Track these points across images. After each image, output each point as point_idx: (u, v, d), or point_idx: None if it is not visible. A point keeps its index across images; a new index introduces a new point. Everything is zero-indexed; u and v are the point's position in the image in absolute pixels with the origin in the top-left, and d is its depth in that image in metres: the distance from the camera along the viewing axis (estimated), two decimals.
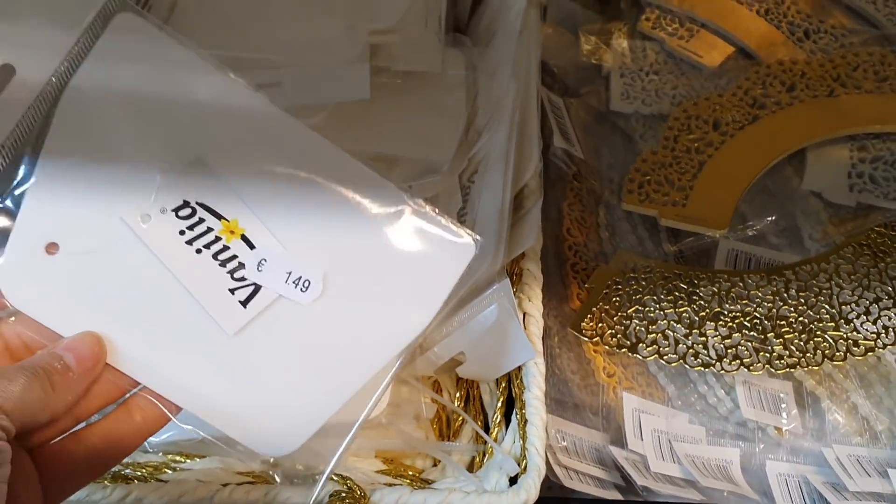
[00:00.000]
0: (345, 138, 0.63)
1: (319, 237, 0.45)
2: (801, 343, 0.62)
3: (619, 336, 0.62)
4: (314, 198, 0.45)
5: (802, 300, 0.63)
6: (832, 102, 0.72)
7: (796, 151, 0.72)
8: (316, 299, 0.44)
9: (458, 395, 0.62)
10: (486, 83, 0.71)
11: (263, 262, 0.43)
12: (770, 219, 0.69)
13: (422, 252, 0.46)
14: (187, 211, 0.43)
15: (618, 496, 0.59)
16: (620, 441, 0.60)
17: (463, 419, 0.60)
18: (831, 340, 0.62)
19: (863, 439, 0.64)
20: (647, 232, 0.70)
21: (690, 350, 0.62)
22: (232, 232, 0.43)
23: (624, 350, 0.61)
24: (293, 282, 0.43)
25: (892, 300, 0.64)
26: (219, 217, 0.43)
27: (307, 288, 0.43)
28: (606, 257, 0.68)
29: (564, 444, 0.59)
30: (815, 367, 0.61)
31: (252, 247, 0.43)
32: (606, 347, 0.63)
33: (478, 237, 0.45)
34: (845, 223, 0.68)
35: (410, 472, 0.59)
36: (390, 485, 0.53)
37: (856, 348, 0.62)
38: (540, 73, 0.72)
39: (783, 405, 0.64)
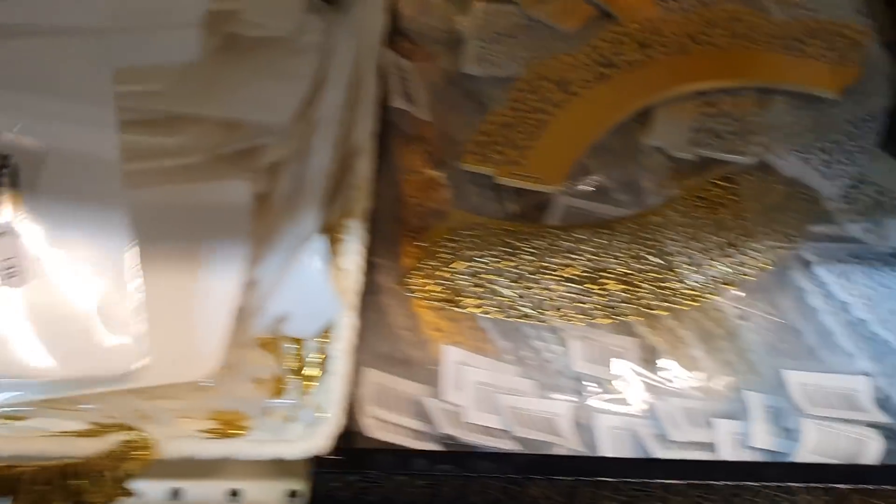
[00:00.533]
0: (190, 104, 0.65)
1: None
2: (623, 293, 0.62)
3: (442, 291, 0.63)
4: None
5: (627, 252, 0.63)
6: (684, 59, 0.72)
7: (647, 110, 0.71)
8: None
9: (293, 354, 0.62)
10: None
11: None
12: (609, 174, 0.69)
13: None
14: None
15: (435, 447, 0.59)
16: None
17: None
18: (656, 290, 0.61)
19: (699, 392, 0.63)
20: (492, 192, 0.70)
21: (511, 303, 0.62)
22: None
23: (445, 304, 0.61)
24: None
25: (721, 251, 0.64)
26: None
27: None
28: (446, 217, 0.69)
29: (383, 396, 0.60)
30: (638, 318, 0.61)
31: None
32: (432, 302, 0.63)
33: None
34: (686, 177, 0.68)
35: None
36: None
37: (679, 298, 0.61)
38: (386, 35, 0.74)
39: (618, 359, 0.63)
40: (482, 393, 0.61)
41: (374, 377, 0.60)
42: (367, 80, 0.67)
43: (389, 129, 0.69)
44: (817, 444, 0.57)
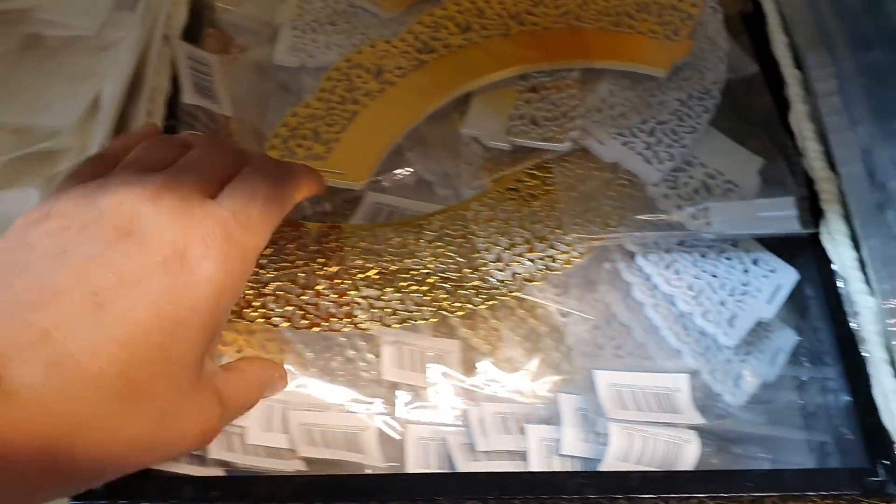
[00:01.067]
0: None
1: None
2: (420, 296, 0.57)
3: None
4: None
5: (430, 251, 0.59)
6: (505, 42, 0.67)
7: (466, 97, 0.67)
8: None
9: None
10: None
11: None
12: (428, 167, 0.64)
13: None
14: None
15: (219, 472, 0.55)
16: None
17: None
18: (464, 289, 0.57)
19: (518, 395, 0.59)
20: None
21: (300, 310, 0.57)
22: None
23: (235, 316, 0.57)
24: None
25: (527, 245, 0.59)
26: None
27: None
28: None
29: None
30: (433, 320, 0.57)
31: None
32: None
33: None
34: (502, 168, 0.63)
35: None
36: None
37: (478, 298, 0.57)
38: (195, 27, 0.71)
39: (436, 364, 0.59)
40: (270, 411, 0.56)
41: None
42: (148, 71, 0.62)
43: (182, 127, 0.64)
44: (627, 449, 0.53)
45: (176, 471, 0.53)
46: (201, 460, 0.54)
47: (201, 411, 0.45)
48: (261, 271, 0.58)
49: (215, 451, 0.53)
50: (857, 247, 0.58)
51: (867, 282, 0.56)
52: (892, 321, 0.52)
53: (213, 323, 0.44)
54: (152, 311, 0.41)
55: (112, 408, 0.39)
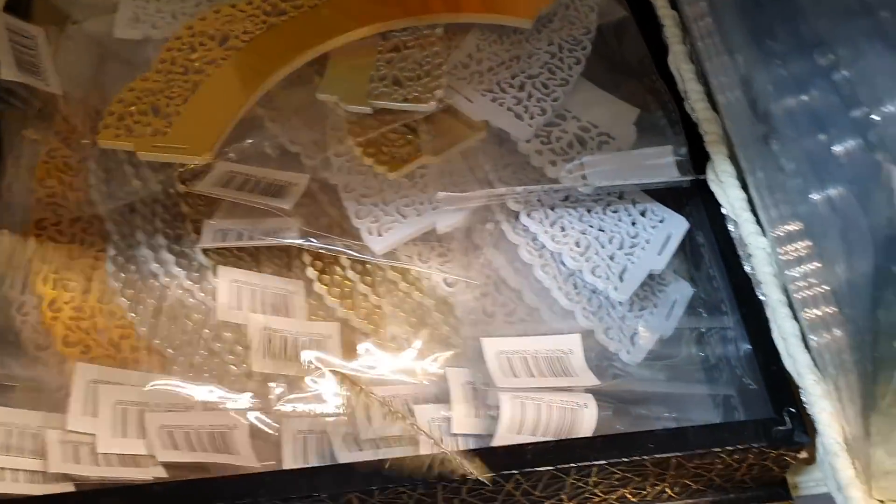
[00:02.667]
0: None
1: None
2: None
3: (80, 296, 0.54)
4: None
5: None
6: None
7: (325, 59, 0.61)
8: None
9: None
10: None
11: None
12: (292, 136, 0.59)
13: None
14: None
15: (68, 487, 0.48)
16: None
17: None
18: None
19: (405, 375, 0.54)
20: (153, 172, 0.59)
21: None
22: None
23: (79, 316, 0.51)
24: None
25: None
26: None
27: None
28: (95, 206, 0.57)
29: None
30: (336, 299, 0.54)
31: None
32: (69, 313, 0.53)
33: None
34: (368, 131, 0.58)
35: None
36: None
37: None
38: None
39: (313, 351, 0.54)
40: (125, 415, 0.50)
41: None
42: None
43: (5, 107, 0.57)
44: (520, 419, 0.49)
45: (11, 492, 0.46)
46: (42, 476, 0.48)
47: None
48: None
49: (56, 464, 0.47)
50: (745, 188, 0.55)
51: (758, 222, 0.53)
52: (783, 249, 0.49)
53: None
54: None
55: None
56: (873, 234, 0.42)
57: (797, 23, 0.47)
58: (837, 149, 0.43)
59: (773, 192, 0.49)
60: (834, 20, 0.45)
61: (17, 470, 0.48)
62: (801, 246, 0.46)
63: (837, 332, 0.44)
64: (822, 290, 0.45)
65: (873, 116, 0.40)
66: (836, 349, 0.44)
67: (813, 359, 0.47)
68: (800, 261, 0.46)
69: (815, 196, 0.45)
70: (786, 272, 0.48)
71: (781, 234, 0.48)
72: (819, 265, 0.46)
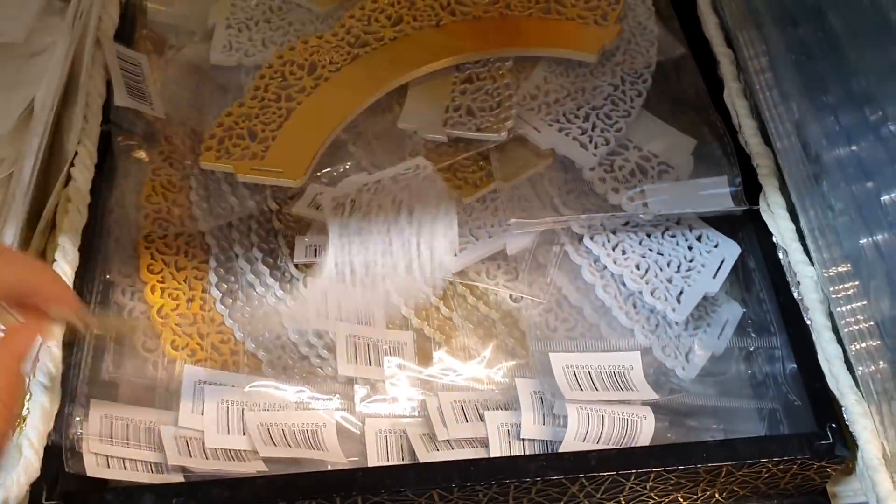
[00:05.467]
0: None
1: None
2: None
3: (188, 304, 0.59)
4: None
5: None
6: (437, 32, 0.67)
7: (404, 89, 0.67)
8: None
9: None
10: None
11: None
12: (373, 161, 0.64)
13: None
14: None
15: (178, 478, 0.54)
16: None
17: None
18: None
19: (475, 382, 0.59)
20: (248, 191, 0.64)
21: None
22: None
23: (184, 320, 0.56)
24: None
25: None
26: None
27: None
28: (197, 222, 0.63)
29: (114, 428, 0.54)
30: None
31: None
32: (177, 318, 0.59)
33: None
34: (444, 158, 0.64)
35: None
36: None
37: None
38: (127, 29, 0.70)
39: (392, 357, 0.59)
40: (228, 413, 0.55)
41: (104, 409, 0.54)
42: (84, 79, 0.60)
43: (116, 130, 0.63)
44: (585, 429, 0.54)
45: (134, 480, 0.52)
46: (159, 468, 0.53)
47: None
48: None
49: (173, 457, 0.52)
50: (794, 219, 0.59)
51: (806, 252, 0.58)
52: (833, 288, 0.53)
53: None
54: None
55: None
56: None
57: (848, 78, 0.51)
58: (885, 198, 0.48)
59: (824, 233, 0.54)
60: (882, 77, 0.49)
61: (136, 461, 0.54)
62: (850, 284, 0.51)
63: (881, 364, 0.49)
64: (868, 325, 0.50)
65: None
66: (879, 378, 0.49)
67: (857, 382, 0.52)
68: (848, 299, 0.51)
69: (863, 239, 0.50)
70: (837, 309, 0.52)
71: (832, 273, 0.52)
72: (865, 302, 0.50)
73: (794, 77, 0.58)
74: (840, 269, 0.51)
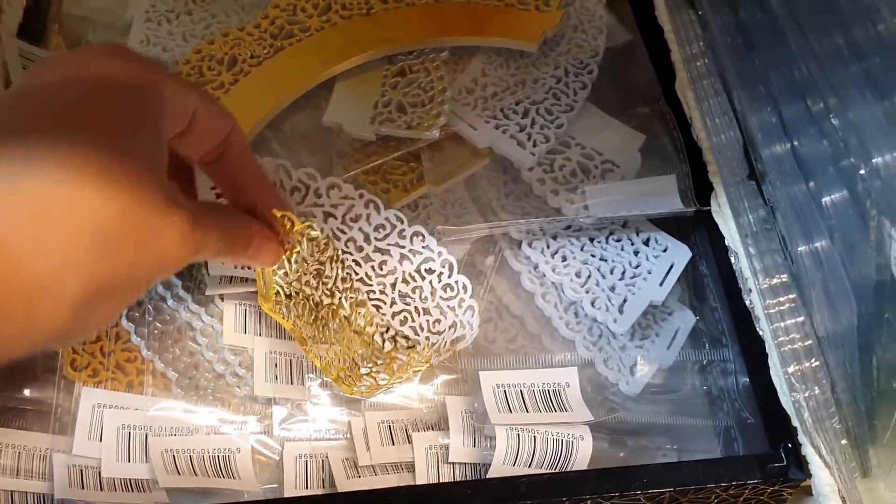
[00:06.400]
0: None
1: None
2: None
3: None
4: None
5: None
6: (367, 21, 0.63)
7: (332, 83, 0.62)
8: None
9: None
10: None
11: None
12: (301, 161, 0.59)
13: None
14: None
15: None
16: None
17: None
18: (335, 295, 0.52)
19: (408, 400, 0.55)
20: None
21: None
22: None
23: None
24: None
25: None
26: None
27: None
28: None
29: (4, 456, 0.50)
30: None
31: None
32: None
33: None
34: (373, 157, 0.59)
35: None
36: None
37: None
38: (37, 23, 0.66)
39: (313, 374, 0.54)
40: (129, 439, 0.51)
41: None
42: None
43: None
44: (515, 452, 0.49)
45: None
46: (48, 500, 0.49)
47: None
48: None
49: (62, 488, 0.48)
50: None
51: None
52: (768, 302, 0.48)
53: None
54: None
55: None
56: (859, 283, 0.42)
57: (790, 65, 0.46)
58: (825, 200, 0.43)
59: (759, 236, 0.49)
60: (825, 65, 0.44)
61: (26, 492, 0.49)
62: (785, 298, 0.46)
63: (816, 390, 0.44)
64: (805, 344, 0.45)
65: (861, 169, 0.40)
66: (814, 406, 0.44)
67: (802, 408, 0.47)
68: (781, 315, 0.46)
69: (801, 247, 0.45)
70: (775, 324, 0.48)
71: (767, 285, 0.47)
72: (802, 318, 0.45)
73: (732, 65, 0.52)
74: (775, 280, 0.46)
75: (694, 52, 0.57)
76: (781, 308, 0.46)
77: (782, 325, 0.46)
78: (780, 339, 0.45)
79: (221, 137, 0.43)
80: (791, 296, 0.46)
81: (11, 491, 0.49)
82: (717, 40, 0.54)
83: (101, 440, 0.51)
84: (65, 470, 0.49)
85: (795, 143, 0.46)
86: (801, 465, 0.49)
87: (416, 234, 0.54)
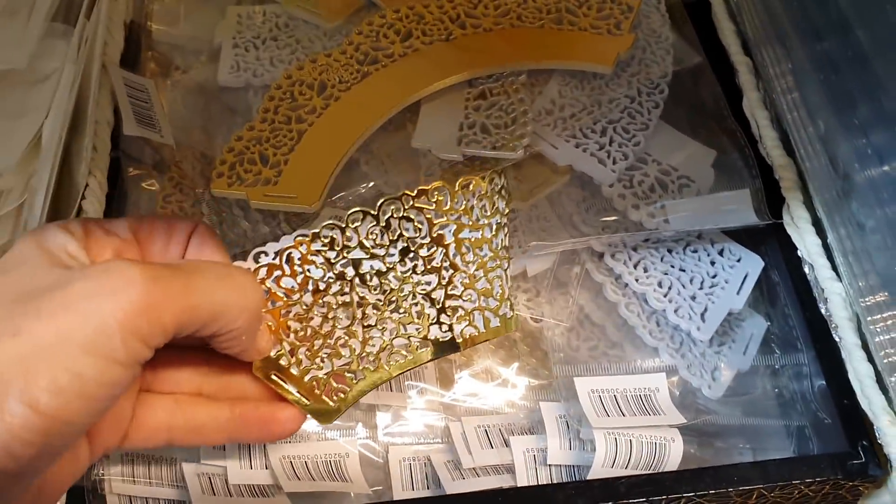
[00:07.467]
0: None
1: None
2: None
3: None
4: None
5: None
6: (448, 47, 0.66)
7: (416, 106, 0.65)
8: None
9: None
10: None
11: None
12: (388, 181, 0.63)
13: None
14: None
15: None
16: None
17: None
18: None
19: (501, 406, 0.58)
20: (260, 215, 0.63)
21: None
22: None
23: None
24: None
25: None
26: None
27: None
28: None
29: (132, 469, 0.53)
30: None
31: None
32: None
33: None
34: (458, 177, 0.62)
35: None
36: None
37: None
38: (132, 52, 0.69)
39: (413, 381, 0.58)
40: (250, 448, 0.55)
41: None
42: (92, 108, 0.59)
43: (125, 159, 0.62)
44: (613, 455, 0.53)
45: None
46: None
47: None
48: None
49: (196, 495, 0.52)
50: (819, 233, 0.58)
51: (834, 268, 0.56)
52: (873, 318, 0.52)
53: None
54: None
55: None
56: None
57: (878, 95, 0.49)
58: None
59: (859, 258, 0.52)
60: None
61: (160, 500, 0.53)
62: (889, 314, 0.50)
63: None
64: None
65: None
66: None
67: (889, 399, 0.51)
68: (887, 329, 0.49)
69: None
70: (876, 339, 0.51)
71: (869, 303, 0.51)
72: None
73: (820, 94, 0.56)
74: (878, 297, 0.50)
75: (782, 85, 0.61)
76: (886, 324, 0.50)
77: (885, 338, 0.50)
78: (885, 352, 0.49)
79: None
80: (893, 312, 0.50)
81: (146, 498, 0.52)
82: (802, 70, 0.58)
83: (224, 448, 0.54)
84: (195, 479, 0.52)
85: (886, 168, 0.49)
86: (879, 461, 0.52)
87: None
